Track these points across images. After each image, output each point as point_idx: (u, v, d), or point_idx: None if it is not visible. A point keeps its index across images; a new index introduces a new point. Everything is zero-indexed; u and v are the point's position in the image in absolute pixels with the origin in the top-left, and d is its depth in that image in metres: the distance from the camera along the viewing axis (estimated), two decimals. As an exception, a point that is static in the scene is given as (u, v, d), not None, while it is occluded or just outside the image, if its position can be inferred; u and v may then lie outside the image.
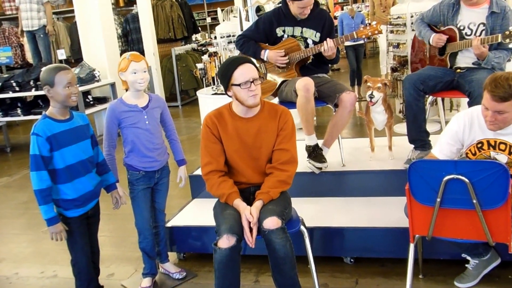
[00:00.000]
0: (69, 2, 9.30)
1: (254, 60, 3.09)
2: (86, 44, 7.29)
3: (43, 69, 2.37)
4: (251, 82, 2.36)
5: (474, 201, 2.02)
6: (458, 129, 2.37)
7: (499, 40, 3.03)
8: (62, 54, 7.03)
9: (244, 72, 2.36)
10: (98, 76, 6.85)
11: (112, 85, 7.06)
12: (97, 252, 2.66)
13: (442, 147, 2.42)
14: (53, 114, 2.36)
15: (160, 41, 9.16)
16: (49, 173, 2.31)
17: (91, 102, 6.92)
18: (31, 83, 6.57)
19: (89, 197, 2.46)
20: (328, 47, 3.28)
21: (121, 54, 8.11)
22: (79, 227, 2.44)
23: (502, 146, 2.29)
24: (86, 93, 6.81)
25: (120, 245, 3.60)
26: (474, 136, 2.34)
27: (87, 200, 2.46)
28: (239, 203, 2.37)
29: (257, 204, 2.35)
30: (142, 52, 8.75)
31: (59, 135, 2.32)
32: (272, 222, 2.25)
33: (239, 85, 2.36)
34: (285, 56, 3.44)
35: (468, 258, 2.59)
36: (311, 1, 3.31)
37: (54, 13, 9.17)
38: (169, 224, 3.21)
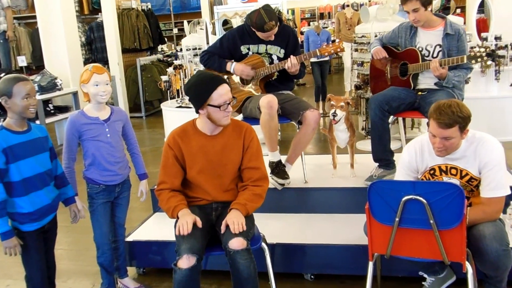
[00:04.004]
0: (31, 7, 9.05)
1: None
2: (48, 51, 7.11)
3: (1, 79, 2.31)
4: (228, 103, 2.36)
5: (431, 221, 2.07)
6: (410, 158, 2.43)
7: (465, 61, 3.14)
8: (22, 61, 6.82)
9: (223, 94, 2.35)
10: (60, 84, 6.67)
11: (75, 94, 6.89)
12: (53, 267, 2.58)
13: (400, 178, 2.47)
14: (10, 125, 2.29)
15: (125, 50, 9.04)
16: (4, 186, 2.24)
17: (52, 111, 6.72)
18: (-11, 89, 6.33)
19: (45, 211, 2.39)
20: (292, 64, 3.32)
21: (84, 63, 8.00)
22: (35, 241, 2.37)
23: (453, 171, 2.36)
24: (47, 102, 6.62)
25: (78, 258, 3.50)
26: (427, 163, 2.41)
27: (43, 214, 2.38)
28: (184, 212, 2.32)
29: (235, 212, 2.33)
30: (106, 61, 8.62)
31: (16, 147, 2.25)
32: (237, 243, 2.24)
33: (218, 107, 2.34)
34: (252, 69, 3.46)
35: (425, 275, 2.65)
36: (274, 31, 3.35)
37: (15, 18, 8.91)
38: (129, 238, 3.15)
